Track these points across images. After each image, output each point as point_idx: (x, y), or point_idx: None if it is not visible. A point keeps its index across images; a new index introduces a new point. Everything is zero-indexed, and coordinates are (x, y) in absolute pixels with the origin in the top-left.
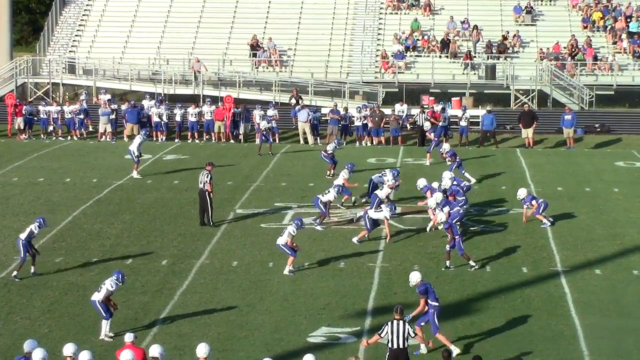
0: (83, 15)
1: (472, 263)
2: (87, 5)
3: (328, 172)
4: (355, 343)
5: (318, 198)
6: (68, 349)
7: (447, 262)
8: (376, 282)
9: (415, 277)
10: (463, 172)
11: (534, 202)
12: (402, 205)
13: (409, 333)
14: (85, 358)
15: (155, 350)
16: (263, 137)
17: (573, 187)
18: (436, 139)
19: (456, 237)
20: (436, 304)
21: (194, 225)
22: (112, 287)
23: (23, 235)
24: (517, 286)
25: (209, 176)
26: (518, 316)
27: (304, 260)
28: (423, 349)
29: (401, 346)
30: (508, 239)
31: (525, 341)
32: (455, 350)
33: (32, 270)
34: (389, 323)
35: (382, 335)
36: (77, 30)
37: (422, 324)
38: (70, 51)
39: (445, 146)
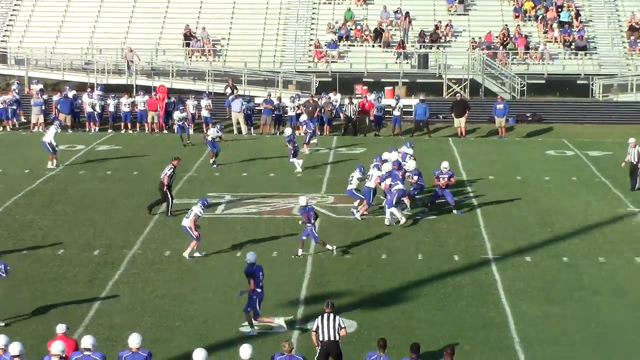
0: (15, 4)
1: (329, 247)
2: None
3: (211, 159)
4: (288, 332)
5: (350, 190)
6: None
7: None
8: (309, 271)
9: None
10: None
11: (452, 179)
12: (337, 195)
13: (340, 325)
14: (15, 349)
15: (87, 341)
16: (179, 128)
17: (505, 176)
18: (310, 131)
19: (308, 224)
20: (259, 290)
21: (127, 215)
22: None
23: None
24: (448, 274)
25: (171, 170)
26: (450, 304)
27: (237, 250)
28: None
29: (332, 338)
30: (440, 227)
31: (456, 328)
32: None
33: None
34: (320, 317)
35: (314, 329)
36: (9, 19)
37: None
38: (1, 40)
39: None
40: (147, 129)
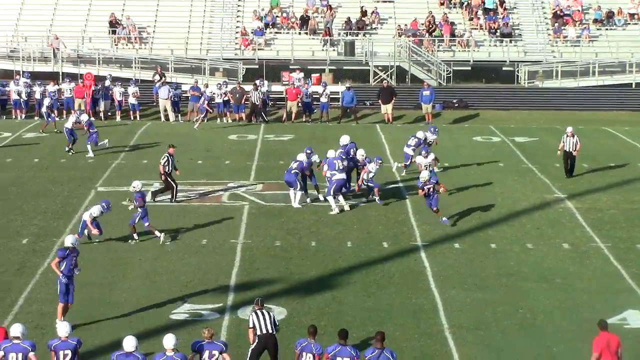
0: None
1: (157, 233)
2: None
3: (67, 147)
4: (217, 319)
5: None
6: None
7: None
8: (238, 259)
9: (68, 239)
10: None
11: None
12: (265, 182)
13: (273, 319)
14: None
15: (16, 329)
16: (47, 115)
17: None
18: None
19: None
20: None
21: (55, 203)
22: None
23: None
24: (378, 261)
25: (165, 158)
26: (379, 291)
27: (165, 238)
28: None
29: (270, 331)
30: (369, 214)
31: (386, 315)
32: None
33: None
34: (253, 313)
35: (251, 326)
36: None
37: None
38: None
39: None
40: None
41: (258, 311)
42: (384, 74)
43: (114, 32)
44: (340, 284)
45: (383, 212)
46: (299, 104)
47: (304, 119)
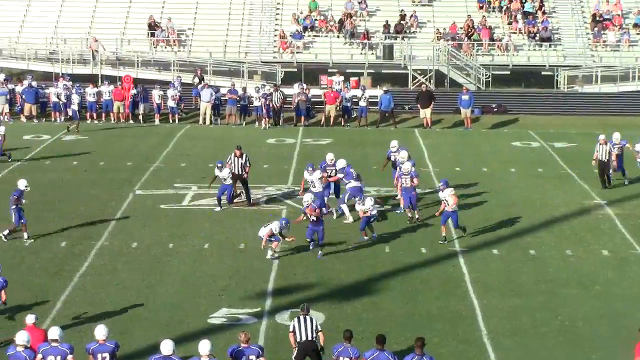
0: None
1: None
2: None
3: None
4: (255, 324)
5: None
6: None
7: None
8: (276, 264)
9: None
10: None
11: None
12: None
13: (317, 327)
14: None
15: (54, 332)
16: (75, 112)
17: (470, 168)
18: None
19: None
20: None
21: (94, 206)
22: None
23: None
24: (415, 267)
25: (230, 160)
26: (417, 296)
27: (204, 241)
28: None
29: (310, 338)
30: (406, 220)
31: (424, 321)
32: None
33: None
34: (296, 319)
35: (291, 330)
36: None
37: None
38: None
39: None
40: (112, 118)
41: (301, 317)
42: (423, 78)
43: (152, 35)
44: (378, 290)
45: (421, 217)
46: (338, 108)
47: (342, 123)
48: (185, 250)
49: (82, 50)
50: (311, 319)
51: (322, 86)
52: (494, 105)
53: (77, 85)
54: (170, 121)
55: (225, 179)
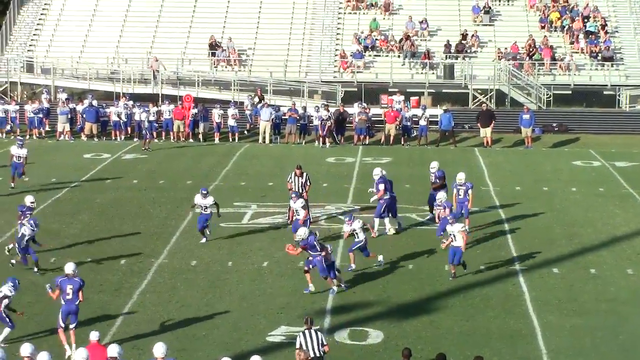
0: (41, 14)
1: None
2: (45, 3)
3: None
4: None
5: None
6: (25, 349)
7: None
8: (335, 281)
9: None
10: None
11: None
12: (362, 205)
13: (322, 341)
14: (44, 359)
15: (113, 350)
16: (146, 132)
17: (531, 187)
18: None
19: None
20: None
21: (153, 224)
22: (10, 292)
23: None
24: (475, 285)
25: (290, 178)
26: (477, 315)
27: (263, 259)
28: None
29: (316, 354)
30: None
31: (483, 340)
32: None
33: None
34: (301, 334)
35: (298, 347)
36: (35, 29)
37: None
38: (28, 50)
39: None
40: (172, 137)
41: (307, 331)
42: (484, 97)
43: (213, 55)
44: (437, 308)
45: (481, 236)
46: (398, 127)
47: (402, 142)
48: (245, 268)
49: (143, 69)
50: (317, 333)
51: (383, 105)
52: (554, 125)
53: (143, 104)
54: (230, 140)
55: (205, 208)
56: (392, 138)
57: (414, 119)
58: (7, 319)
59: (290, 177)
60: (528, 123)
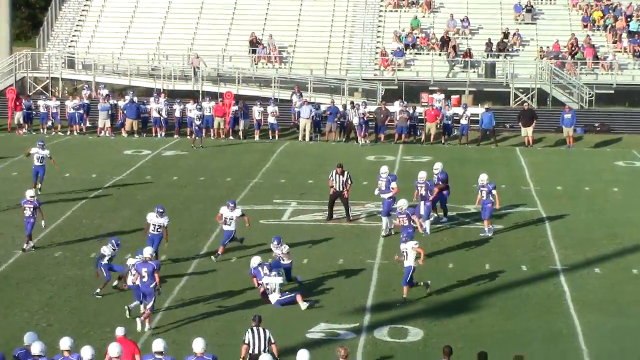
0: (82, 10)
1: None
2: (86, 0)
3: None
4: (353, 339)
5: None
6: (65, 342)
7: None
8: (375, 279)
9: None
10: None
11: (494, 191)
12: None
13: (270, 339)
14: (87, 354)
15: (159, 344)
16: (197, 129)
17: (572, 187)
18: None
19: None
20: None
21: (193, 221)
22: (109, 251)
23: (103, 261)
24: (516, 284)
25: (331, 177)
26: (517, 314)
27: (303, 256)
28: None
29: (262, 351)
30: (507, 237)
31: (524, 339)
32: None
33: (115, 284)
34: (249, 330)
35: (246, 342)
36: (77, 25)
37: None
38: (69, 46)
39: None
40: (213, 134)
41: (254, 328)
42: (525, 96)
43: (254, 52)
44: (477, 307)
45: (522, 235)
46: (438, 126)
47: (442, 141)
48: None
49: (183, 66)
50: (264, 330)
51: (423, 104)
52: (596, 124)
53: (184, 101)
54: (270, 137)
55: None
56: (432, 137)
57: (454, 118)
58: (106, 271)
59: (332, 176)
60: (569, 122)
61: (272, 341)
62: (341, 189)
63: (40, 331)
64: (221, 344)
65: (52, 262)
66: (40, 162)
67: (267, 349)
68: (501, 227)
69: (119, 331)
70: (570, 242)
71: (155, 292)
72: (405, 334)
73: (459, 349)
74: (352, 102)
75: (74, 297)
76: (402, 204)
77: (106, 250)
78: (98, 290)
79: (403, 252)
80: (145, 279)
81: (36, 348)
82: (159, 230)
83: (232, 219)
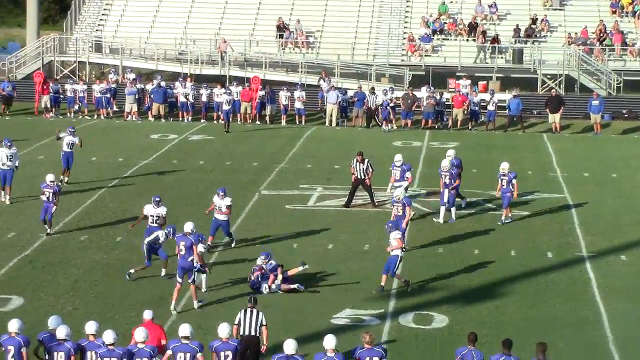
0: None
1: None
2: None
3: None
4: (378, 325)
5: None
6: (90, 327)
7: None
8: (400, 265)
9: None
10: None
11: (514, 181)
12: (428, 189)
13: (262, 322)
14: (109, 338)
15: (185, 329)
16: (225, 114)
17: (599, 173)
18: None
19: None
20: None
21: None
22: (161, 237)
23: (148, 239)
24: (541, 271)
25: (353, 165)
26: (542, 301)
27: (328, 242)
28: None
29: (252, 333)
30: (533, 223)
31: (549, 326)
32: None
33: (163, 273)
34: (242, 311)
35: (236, 323)
36: (104, 9)
37: None
38: (97, 30)
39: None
40: (239, 119)
41: (248, 309)
42: (553, 82)
43: (281, 37)
44: (502, 293)
45: (548, 222)
46: (465, 112)
47: (469, 127)
48: (310, 250)
49: (210, 51)
50: (257, 313)
51: (450, 90)
52: (624, 111)
53: (210, 85)
54: (297, 122)
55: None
56: (459, 122)
57: (481, 104)
58: (148, 256)
59: (353, 163)
60: (597, 109)
61: (264, 323)
62: (362, 177)
63: (65, 315)
64: None
65: (78, 245)
66: (70, 149)
67: (257, 331)
68: (527, 214)
69: (147, 314)
70: (596, 229)
71: (200, 269)
72: (430, 320)
73: (483, 335)
74: (372, 89)
75: (100, 281)
76: (399, 193)
77: (161, 235)
78: (132, 271)
79: (390, 241)
80: (182, 252)
81: (61, 332)
82: (157, 222)
83: (221, 208)
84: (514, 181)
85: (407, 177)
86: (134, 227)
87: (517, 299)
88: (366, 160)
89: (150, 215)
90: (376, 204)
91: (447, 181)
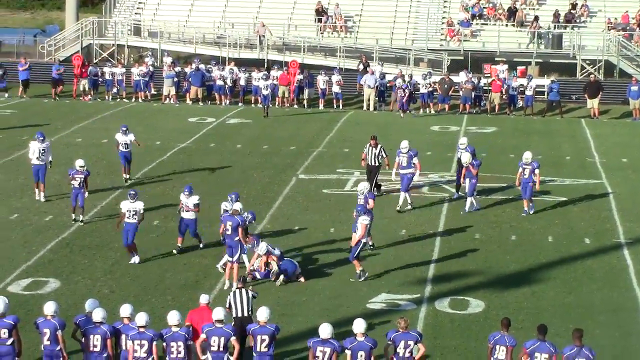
0: None
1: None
2: None
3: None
4: (414, 310)
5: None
6: (125, 310)
7: None
8: (437, 250)
9: None
10: None
11: (537, 170)
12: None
13: (251, 302)
14: (141, 320)
15: (219, 312)
16: (264, 98)
17: (638, 159)
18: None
19: None
20: None
21: (256, 189)
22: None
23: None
24: (579, 257)
25: (366, 149)
26: (579, 287)
27: None
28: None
29: (245, 314)
30: (571, 209)
31: (586, 312)
32: None
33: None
34: (232, 293)
35: (228, 306)
36: None
37: None
38: (135, 13)
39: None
40: (277, 103)
41: (237, 290)
42: (592, 68)
43: (319, 21)
44: (539, 279)
45: (586, 208)
46: (503, 96)
47: (507, 112)
48: (346, 235)
49: (249, 35)
50: (247, 292)
51: (486, 75)
52: None
53: (249, 69)
54: (335, 106)
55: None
56: (497, 107)
57: (520, 89)
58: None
59: (366, 148)
60: (636, 95)
61: (255, 295)
62: (373, 162)
63: (102, 298)
64: (282, 314)
65: (115, 229)
66: (126, 148)
67: (250, 310)
68: (565, 200)
69: (203, 299)
70: (635, 215)
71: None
72: (466, 305)
73: (520, 321)
74: (402, 74)
75: (136, 264)
76: (362, 187)
77: (227, 205)
78: (201, 246)
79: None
80: (229, 232)
81: (98, 315)
82: (134, 216)
83: (189, 206)
84: (536, 171)
85: (414, 164)
86: (119, 228)
87: (554, 285)
88: (379, 146)
89: (127, 210)
90: (381, 192)
91: (473, 172)
